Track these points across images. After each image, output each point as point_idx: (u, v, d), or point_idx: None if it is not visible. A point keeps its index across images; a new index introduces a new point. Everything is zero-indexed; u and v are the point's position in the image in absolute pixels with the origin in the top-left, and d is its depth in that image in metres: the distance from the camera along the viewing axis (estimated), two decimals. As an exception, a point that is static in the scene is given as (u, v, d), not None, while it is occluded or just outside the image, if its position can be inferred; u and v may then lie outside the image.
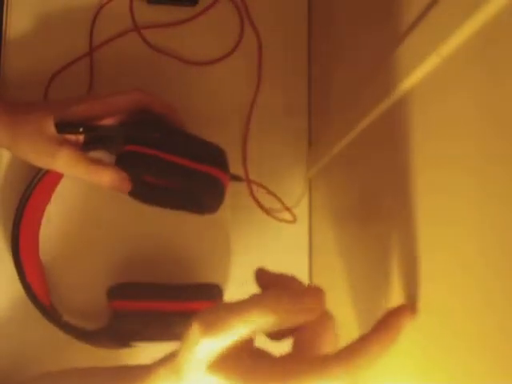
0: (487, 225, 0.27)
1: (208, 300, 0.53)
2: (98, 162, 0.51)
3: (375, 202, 0.43)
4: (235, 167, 0.62)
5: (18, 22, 0.61)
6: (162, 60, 0.63)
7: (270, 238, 0.61)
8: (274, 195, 0.61)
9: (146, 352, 0.57)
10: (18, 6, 0.61)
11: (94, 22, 0.62)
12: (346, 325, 0.50)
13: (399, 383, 0.38)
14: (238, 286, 0.60)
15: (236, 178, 0.56)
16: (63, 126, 0.50)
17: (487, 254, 0.27)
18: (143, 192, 0.55)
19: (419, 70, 0.34)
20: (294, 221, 0.61)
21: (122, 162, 0.51)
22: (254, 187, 0.62)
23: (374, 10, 0.44)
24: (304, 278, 0.61)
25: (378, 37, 0.42)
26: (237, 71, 0.63)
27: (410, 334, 0.35)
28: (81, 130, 0.50)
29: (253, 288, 0.60)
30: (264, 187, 0.61)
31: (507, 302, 0.25)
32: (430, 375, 0.33)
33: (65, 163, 0.49)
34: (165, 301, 0.52)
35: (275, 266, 0.60)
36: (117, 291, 0.52)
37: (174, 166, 0.50)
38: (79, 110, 0.51)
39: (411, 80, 0.35)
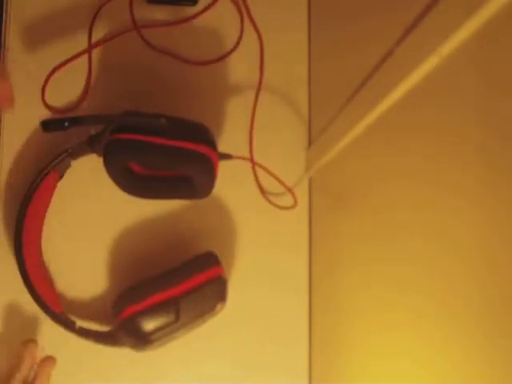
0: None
1: (208, 268, 0.53)
2: None
3: (374, 200, 0.44)
4: (237, 165, 0.62)
5: (19, 19, 0.61)
6: (162, 60, 0.63)
7: (272, 228, 0.62)
8: (276, 177, 0.61)
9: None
10: (18, 3, 0.61)
11: (93, 20, 0.62)
12: (345, 311, 0.50)
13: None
14: (239, 276, 0.60)
15: (225, 157, 0.56)
16: (48, 124, 0.50)
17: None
18: (135, 185, 0.55)
19: (419, 69, 0.34)
20: (295, 205, 0.61)
21: (110, 151, 0.51)
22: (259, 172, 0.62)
23: (373, 10, 0.44)
24: (304, 276, 0.61)
25: (378, 36, 0.42)
26: (237, 71, 0.63)
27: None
28: (66, 124, 0.50)
29: (255, 280, 0.60)
30: (265, 168, 0.61)
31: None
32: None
33: None
34: (170, 287, 0.51)
35: (277, 262, 0.61)
36: (122, 301, 0.52)
37: (160, 147, 0.51)
38: None
39: (411, 80, 0.35)
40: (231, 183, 0.61)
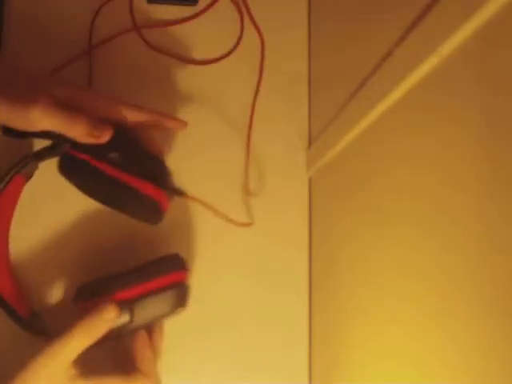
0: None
1: (176, 270, 0.52)
2: (71, 110, 0.48)
3: (375, 201, 0.44)
4: (236, 166, 0.62)
5: (18, 19, 0.61)
6: (161, 60, 0.63)
7: (272, 229, 0.61)
8: (216, 211, 0.57)
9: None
10: (17, 3, 0.61)
11: (93, 21, 0.62)
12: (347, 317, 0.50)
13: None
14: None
15: (178, 193, 0.54)
16: (9, 129, 0.49)
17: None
18: (92, 188, 0.53)
19: (419, 69, 0.34)
20: (249, 224, 0.61)
21: (62, 166, 0.51)
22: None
23: (374, 9, 0.44)
24: (304, 276, 0.61)
25: (378, 36, 0.42)
26: (237, 71, 0.64)
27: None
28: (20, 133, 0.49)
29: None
30: (207, 205, 0.56)
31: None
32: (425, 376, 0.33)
33: (40, 113, 0.46)
34: (127, 288, 0.50)
35: (276, 262, 0.61)
36: (84, 291, 0.51)
37: (110, 179, 0.50)
38: (70, 95, 0.48)
39: (411, 80, 0.35)
40: (233, 182, 0.61)
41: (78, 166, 0.50)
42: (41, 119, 0.46)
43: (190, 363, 0.59)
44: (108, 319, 0.49)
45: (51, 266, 0.58)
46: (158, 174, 0.52)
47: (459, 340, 0.30)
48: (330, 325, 0.55)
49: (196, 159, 0.61)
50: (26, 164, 0.53)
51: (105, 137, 0.49)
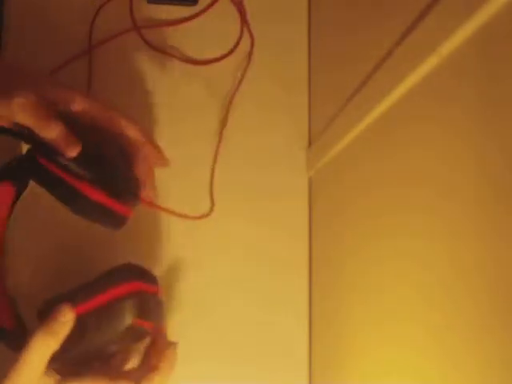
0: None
1: (124, 281, 0.49)
2: (51, 113, 0.47)
3: (376, 201, 0.44)
4: (232, 168, 0.62)
5: (18, 19, 0.61)
6: (161, 60, 0.63)
7: (272, 229, 0.61)
8: (172, 212, 0.59)
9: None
10: (18, 3, 0.61)
11: (93, 21, 0.62)
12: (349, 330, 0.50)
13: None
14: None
15: (137, 201, 0.53)
16: None
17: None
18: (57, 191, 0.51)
19: (419, 69, 0.34)
20: (202, 217, 0.61)
21: (28, 169, 0.49)
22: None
23: (374, 10, 0.45)
24: (304, 275, 0.61)
25: (378, 37, 0.42)
26: (237, 71, 0.64)
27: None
28: None
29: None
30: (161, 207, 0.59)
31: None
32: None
33: (18, 105, 0.46)
34: (96, 295, 0.48)
35: (276, 262, 0.61)
36: (43, 312, 0.48)
37: (69, 188, 0.48)
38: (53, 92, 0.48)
39: (411, 80, 0.35)
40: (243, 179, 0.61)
41: (38, 170, 0.49)
42: (18, 111, 0.46)
43: (189, 363, 0.59)
44: (65, 321, 0.47)
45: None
46: (121, 183, 0.51)
47: (462, 337, 0.30)
48: (330, 325, 0.55)
49: (191, 159, 0.61)
50: (9, 170, 0.51)
51: (71, 152, 0.48)
